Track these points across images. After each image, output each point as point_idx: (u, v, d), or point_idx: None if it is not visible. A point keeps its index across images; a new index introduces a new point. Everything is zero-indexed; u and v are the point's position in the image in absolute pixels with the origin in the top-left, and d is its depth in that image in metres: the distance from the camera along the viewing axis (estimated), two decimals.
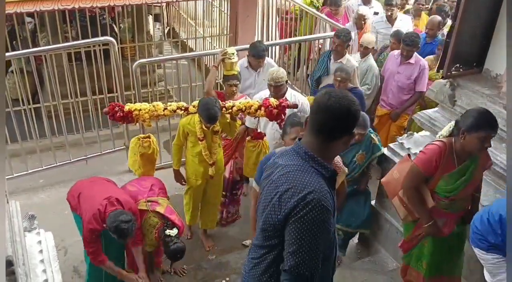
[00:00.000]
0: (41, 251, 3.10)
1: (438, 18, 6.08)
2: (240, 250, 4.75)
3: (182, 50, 7.27)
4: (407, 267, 3.68)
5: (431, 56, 5.63)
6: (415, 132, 4.37)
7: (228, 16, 7.22)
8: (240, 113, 4.25)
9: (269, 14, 7.49)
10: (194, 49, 7.72)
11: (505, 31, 3.44)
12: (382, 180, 3.70)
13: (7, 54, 4.83)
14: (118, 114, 4.03)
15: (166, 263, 4.42)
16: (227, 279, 4.25)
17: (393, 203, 3.57)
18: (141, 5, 6.10)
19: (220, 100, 4.19)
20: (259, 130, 4.38)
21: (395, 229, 4.28)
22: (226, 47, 6.14)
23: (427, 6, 7.29)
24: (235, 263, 4.52)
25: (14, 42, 6.09)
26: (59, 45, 5.55)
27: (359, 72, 5.39)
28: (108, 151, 5.79)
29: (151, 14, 7.22)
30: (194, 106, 4.09)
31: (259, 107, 4.11)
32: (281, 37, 7.46)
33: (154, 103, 4.15)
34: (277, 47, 7.10)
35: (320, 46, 6.46)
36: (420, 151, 3.30)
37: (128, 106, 4.06)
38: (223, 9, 7.46)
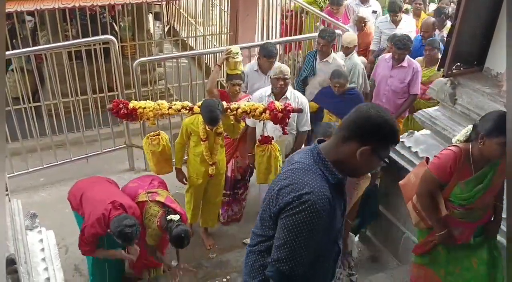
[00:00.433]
0: (42, 250, 3.10)
1: (432, 19, 6.03)
2: (241, 248, 4.75)
3: (182, 48, 7.27)
4: (421, 266, 3.46)
5: (420, 58, 5.56)
6: (415, 131, 4.38)
7: (228, 15, 7.22)
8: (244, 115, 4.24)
9: (269, 13, 7.48)
10: (194, 47, 7.73)
11: (505, 30, 3.44)
12: (400, 182, 3.52)
13: (7, 52, 4.82)
14: (122, 111, 4.04)
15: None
16: (228, 277, 4.25)
17: (407, 207, 3.42)
18: (141, 3, 6.11)
19: (224, 101, 4.20)
20: (265, 134, 4.35)
21: (396, 228, 4.28)
22: (226, 45, 6.16)
23: (421, 5, 7.15)
24: (236, 261, 4.53)
25: (14, 40, 6.09)
26: (59, 43, 5.55)
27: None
28: (109, 149, 5.79)
29: (151, 13, 7.21)
30: (198, 107, 4.08)
31: (264, 111, 4.08)
32: (281, 36, 7.45)
33: (159, 101, 4.15)
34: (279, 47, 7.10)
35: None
36: (434, 156, 3.16)
37: (132, 104, 4.06)
38: (223, 8, 7.46)
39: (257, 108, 4.10)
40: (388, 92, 5.25)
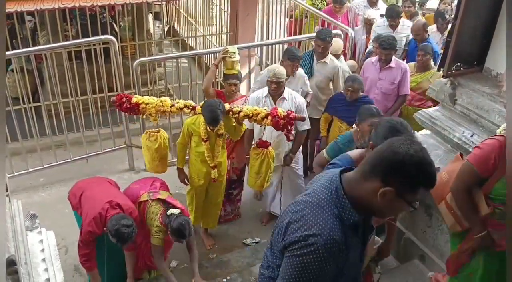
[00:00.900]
0: (42, 250, 3.10)
1: (422, 21, 5.93)
2: (241, 248, 4.77)
3: (182, 48, 7.27)
4: None
5: (411, 63, 5.48)
6: (415, 131, 4.37)
7: (228, 15, 7.22)
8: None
9: (269, 13, 7.48)
10: (194, 47, 7.72)
11: (505, 30, 3.44)
12: None
13: (7, 53, 4.82)
14: (125, 105, 4.06)
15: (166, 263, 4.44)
16: (228, 277, 4.25)
17: (439, 209, 3.15)
18: (141, 3, 6.10)
19: (224, 102, 4.19)
20: (264, 138, 4.37)
21: (397, 229, 4.28)
22: (226, 45, 6.15)
23: (410, 7, 6.98)
24: (236, 261, 4.54)
25: (14, 40, 6.09)
26: (59, 44, 5.55)
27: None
28: (109, 149, 5.79)
29: (151, 13, 7.21)
30: (201, 107, 4.08)
31: (266, 116, 4.07)
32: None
33: (162, 98, 4.16)
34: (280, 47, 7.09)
35: None
36: (475, 146, 2.85)
37: (135, 98, 4.08)
38: (223, 8, 7.46)
39: (259, 113, 4.08)
40: (378, 95, 5.10)
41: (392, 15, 5.95)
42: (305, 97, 4.89)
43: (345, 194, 1.82)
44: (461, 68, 3.79)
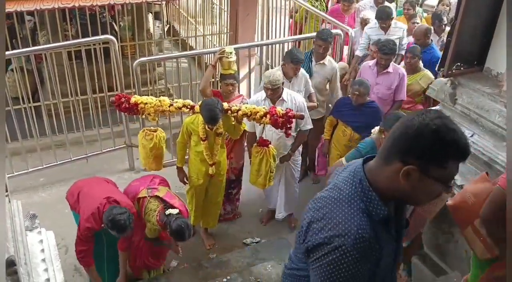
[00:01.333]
0: (42, 250, 3.10)
1: (424, 26, 5.80)
2: (241, 248, 4.77)
3: (182, 48, 7.26)
4: None
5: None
6: None
7: (228, 14, 7.21)
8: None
9: (269, 12, 7.47)
10: (194, 47, 7.72)
11: (506, 30, 3.43)
12: (449, 202, 2.95)
13: (7, 52, 4.82)
14: (124, 105, 4.08)
15: (166, 262, 4.45)
16: (228, 277, 4.25)
17: (464, 235, 2.85)
18: (141, 3, 6.10)
19: (225, 102, 4.19)
20: (264, 137, 4.38)
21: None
22: (227, 45, 6.15)
23: (409, 9, 6.82)
24: (236, 261, 4.53)
25: (14, 40, 6.08)
26: (59, 43, 5.54)
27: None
28: (109, 149, 5.79)
29: (151, 12, 7.21)
30: (199, 106, 4.08)
31: (265, 115, 4.08)
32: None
33: (161, 98, 4.17)
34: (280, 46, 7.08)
35: None
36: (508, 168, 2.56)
37: (134, 99, 4.10)
38: (223, 7, 7.45)
39: (258, 112, 4.09)
40: (375, 100, 4.93)
41: (382, 17, 5.79)
42: (308, 97, 4.87)
43: (370, 186, 1.62)
44: (461, 68, 3.78)
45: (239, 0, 6.82)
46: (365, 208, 1.61)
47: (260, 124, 4.31)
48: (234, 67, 4.60)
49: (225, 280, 4.21)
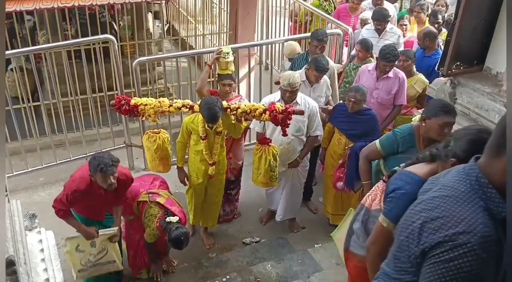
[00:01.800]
0: (42, 250, 3.11)
1: (426, 29, 5.65)
2: (240, 248, 4.77)
3: (181, 48, 7.25)
4: None
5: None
6: None
7: (228, 14, 7.21)
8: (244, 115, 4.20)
9: (269, 12, 7.47)
10: (194, 47, 7.71)
11: (505, 29, 3.43)
12: None
13: (6, 52, 4.81)
14: (124, 107, 4.08)
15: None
16: (228, 277, 4.26)
17: None
18: (141, 2, 6.10)
19: (224, 101, 4.17)
20: (267, 136, 4.39)
21: None
22: (227, 45, 6.14)
23: (419, 12, 6.60)
24: (235, 261, 4.54)
25: (13, 40, 6.07)
26: (58, 43, 5.53)
27: None
28: (108, 148, 5.77)
29: (151, 12, 7.22)
30: (198, 105, 4.08)
31: (264, 111, 4.07)
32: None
33: (160, 99, 4.17)
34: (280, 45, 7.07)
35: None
36: None
37: (134, 100, 4.10)
38: (223, 7, 7.45)
39: (257, 109, 4.08)
40: (374, 105, 4.84)
41: (379, 19, 5.69)
42: (326, 104, 4.82)
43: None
44: (461, 68, 3.78)
45: None
46: (485, 206, 1.51)
47: (260, 122, 4.29)
48: (232, 67, 4.57)
49: (224, 279, 4.22)
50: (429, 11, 6.75)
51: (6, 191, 2.82)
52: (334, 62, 5.52)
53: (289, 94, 4.31)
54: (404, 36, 6.17)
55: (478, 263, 1.44)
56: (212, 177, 4.34)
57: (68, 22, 6.04)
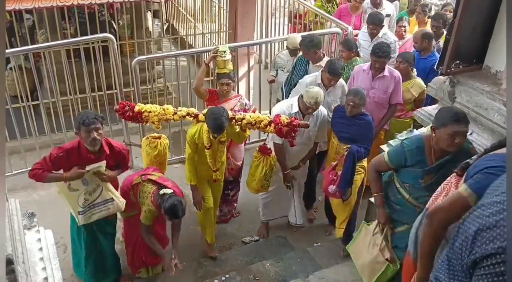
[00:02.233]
0: (40, 249, 3.10)
1: (423, 31, 5.58)
2: (240, 247, 4.77)
3: (181, 46, 7.25)
4: None
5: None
6: (415, 129, 4.36)
7: (227, 12, 7.20)
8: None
9: (268, 11, 7.46)
10: (193, 45, 7.71)
11: (505, 28, 3.43)
12: None
13: (5, 51, 4.81)
14: (127, 114, 4.08)
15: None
16: (227, 276, 4.26)
17: None
18: (140, 1, 6.10)
19: (218, 102, 4.17)
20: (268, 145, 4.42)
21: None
22: (226, 43, 6.14)
23: (420, 13, 6.62)
24: (235, 260, 4.54)
25: (12, 39, 6.07)
26: (57, 42, 5.53)
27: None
28: None
29: (150, 11, 7.21)
30: (204, 114, 4.03)
31: (269, 123, 4.07)
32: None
33: (165, 106, 4.16)
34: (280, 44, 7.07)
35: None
36: None
37: (138, 107, 4.09)
38: (222, 6, 7.44)
39: (262, 121, 4.08)
40: (370, 105, 4.69)
41: (375, 22, 5.59)
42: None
43: None
44: (460, 66, 3.78)
45: None
46: None
47: (264, 133, 4.29)
48: (230, 66, 4.54)
49: (223, 278, 4.22)
50: (432, 12, 6.72)
51: (5, 190, 2.82)
52: None
53: (311, 110, 4.26)
54: (403, 37, 6.14)
55: None
56: (217, 181, 4.35)
57: (67, 21, 6.04)
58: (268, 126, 4.07)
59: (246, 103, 4.69)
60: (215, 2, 7.78)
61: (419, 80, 5.05)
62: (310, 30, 6.79)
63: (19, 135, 5.30)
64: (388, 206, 3.46)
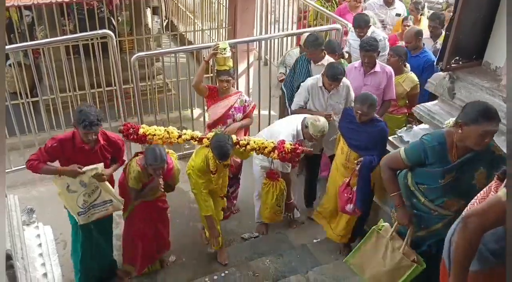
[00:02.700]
0: (40, 245, 3.11)
1: (415, 29, 5.49)
2: (239, 243, 4.77)
3: (180, 43, 7.23)
4: None
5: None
6: (414, 125, 4.35)
7: (227, 9, 7.19)
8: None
9: (268, 7, 7.44)
10: (192, 42, 7.69)
11: (505, 23, 3.42)
12: None
13: (5, 47, 4.80)
14: (132, 136, 4.10)
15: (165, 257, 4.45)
16: (226, 272, 4.26)
17: None
18: None
19: (218, 99, 4.16)
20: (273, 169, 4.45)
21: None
22: (225, 40, 6.12)
23: (413, 11, 6.52)
24: (234, 256, 4.54)
25: (12, 35, 6.06)
26: (57, 38, 5.51)
27: None
28: None
29: (149, 7, 7.19)
30: (208, 139, 4.04)
31: (273, 150, 4.09)
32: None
33: (169, 129, 4.17)
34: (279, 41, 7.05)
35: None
36: None
37: (142, 129, 4.10)
38: (221, 2, 7.43)
39: (266, 147, 4.11)
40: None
41: (360, 25, 5.49)
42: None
43: None
44: (460, 62, 3.78)
45: None
46: None
47: (267, 157, 4.29)
48: (229, 63, 4.52)
49: (223, 274, 4.22)
50: (425, 10, 6.69)
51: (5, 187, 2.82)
52: None
53: (315, 141, 4.32)
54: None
55: None
56: (225, 209, 4.49)
57: (67, 18, 6.03)
58: (272, 152, 4.11)
59: (246, 100, 4.68)
60: None
61: (412, 74, 5.01)
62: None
63: (18, 132, 5.30)
64: None
